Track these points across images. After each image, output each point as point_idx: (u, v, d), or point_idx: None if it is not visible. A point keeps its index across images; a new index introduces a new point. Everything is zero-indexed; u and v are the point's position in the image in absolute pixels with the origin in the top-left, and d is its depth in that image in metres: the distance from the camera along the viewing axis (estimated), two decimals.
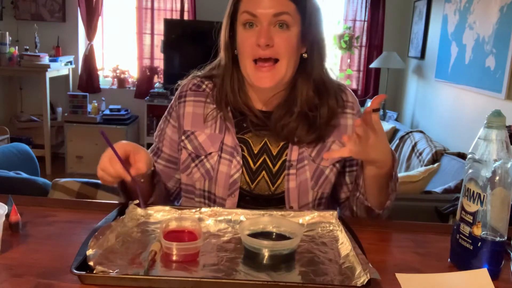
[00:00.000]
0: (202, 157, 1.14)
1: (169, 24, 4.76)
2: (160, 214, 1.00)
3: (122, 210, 0.98)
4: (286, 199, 1.12)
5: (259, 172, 1.13)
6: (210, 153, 1.14)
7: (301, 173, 1.12)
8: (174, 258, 0.81)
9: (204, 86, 1.19)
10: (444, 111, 3.70)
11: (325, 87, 1.13)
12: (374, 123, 0.96)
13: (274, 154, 1.14)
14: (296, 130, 1.11)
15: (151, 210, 1.01)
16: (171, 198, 1.26)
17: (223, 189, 1.12)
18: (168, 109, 1.23)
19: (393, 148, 3.58)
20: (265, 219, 0.94)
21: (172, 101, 1.22)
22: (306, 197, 1.13)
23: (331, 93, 1.13)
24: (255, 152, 1.14)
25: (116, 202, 1.15)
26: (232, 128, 1.14)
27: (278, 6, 1.03)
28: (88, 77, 4.95)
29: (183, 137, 1.17)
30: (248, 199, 1.13)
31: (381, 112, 4.62)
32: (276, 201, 1.13)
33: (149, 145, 5.25)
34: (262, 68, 1.05)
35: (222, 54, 1.15)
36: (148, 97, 4.71)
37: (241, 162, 1.12)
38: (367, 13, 4.88)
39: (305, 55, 1.11)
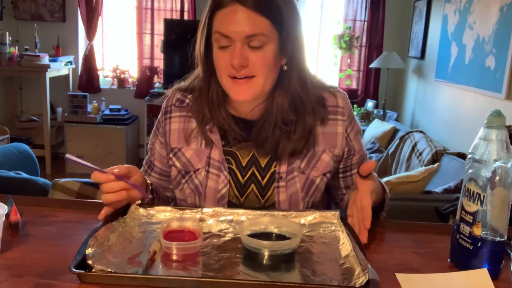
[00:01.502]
0: (191, 173, 1.13)
1: (169, 24, 4.76)
2: (162, 214, 1.01)
3: (124, 210, 0.99)
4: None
5: (248, 185, 1.11)
6: (198, 169, 1.12)
7: (291, 185, 1.11)
8: (174, 257, 0.82)
9: (187, 101, 1.17)
10: (444, 111, 3.70)
11: (302, 102, 1.08)
12: (358, 184, 0.99)
13: (263, 166, 1.11)
14: (278, 145, 1.08)
15: (153, 210, 1.01)
16: (171, 204, 1.26)
17: (212, 204, 1.11)
18: (156, 123, 1.21)
19: (393, 148, 3.59)
20: (266, 219, 0.94)
21: (160, 115, 1.20)
22: (296, 208, 1.12)
23: (308, 109, 1.08)
24: (244, 164, 1.12)
25: None
26: (218, 142, 1.11)
27: (251, 26, 0.97)
28: (88, 77, 4.96)
29: (171, 155, 1.15)
30: None
31: (381, 112, 4.63)
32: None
33: None
34: (239, 81, 1.01)
35: (199, 68, 1.12)
36: (148, 97, 4.71)
37: (228, 177, 1.10)
38: (367, 13, 4.88)
39: (285, 68, 1.06)
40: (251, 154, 1.12)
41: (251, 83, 1.02)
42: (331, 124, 1.13)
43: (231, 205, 1.11)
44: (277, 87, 1.07)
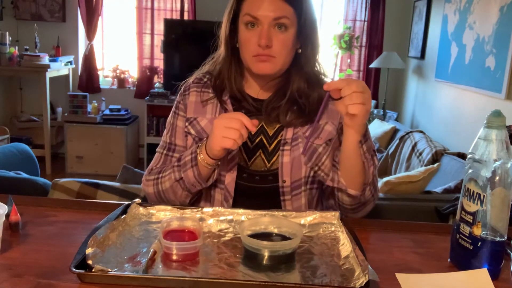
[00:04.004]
0: (204, 139, 1.17)
1: (169, 24, 4.76)
2: (162, 213, 1.01)
3: (124, 209, 0.99)
4: (279, 173, 1.17)
5: (255, 150, 1.20)
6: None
7: (295, 150, 1.18)
8: (174, 257, 0.82)
9: (205, 80, 1.27)
10: (444, 111, 3.70)
11: (317, 78, 1.21)
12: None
13: (271, 134, 1.21)
14: (287, 113, 1.19)
15: (153, 209, 1.01)
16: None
17: (222, 165, 1.16)
18: (175, 105, 1.29)
19: (393, 148, 3.59)
20: (266, 220, 0.94)
21: (178, 97, 1.29)
22: (299, 172, 1.18)
23: (321, 83, 1.19)
24: (252, 133, 1.20)
25: (116, 202, 1.15)
26: (231, 110, 1.21)
27: (278, 10, 1.11)
28: (88, 77, 4.95)
29: (186, 123, 1.24)
30: (245, 176, 1.19)
31: (381, 112, 4.63)
32: (271, 177, 1.18)
33: (149, 145, 5.13)
34: (262, 57, 1.13)
35: (222, 47, 1.22)
36: (148, 97, 4.71)
37: None
38: (367, 13, 4.88)
39: (299, 51, 1.19)
40: (260, 125, 1.21)
41: (271, 61, 1.14)
42: (331, 103, 1.20)
43: (239, 167, 1.18)
44: (292, 69, 1.19)
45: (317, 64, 1.23)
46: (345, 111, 1.02)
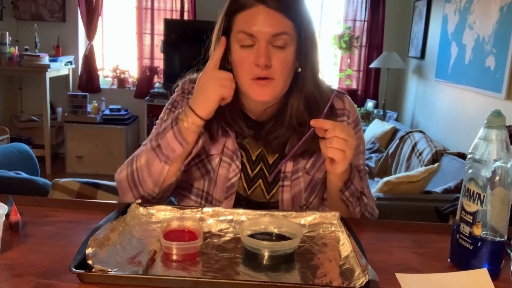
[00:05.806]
0: (203, 157, 1.14)
1: (169, 24, 4.76)
2: (162, 213, 1.01)
3: (124, 209, 0.99)
4: (280, 209, 1.13)
5: (256, 180, 1.14)
6: (212, 155, 1.14)
7: (296, 185, 1.13)
8: (174, 257, 0.82)
9: None
10: (444, 111, 3.70)
11: (316, 102, 1.10)
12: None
13: (270, 163, 1.14)
14: (286, 144, 1.11)
15: (153, 209, 1.01)
16: (171, 194, 1.20)
17: (220, 192, 1.13)
18: (171, 102, 1.19)
19: (393, 148, 3.59)
20: (266, 220, 0.94)
21: (175, 96, 1.19)
22: (298, 207, 1.14)
23: (321, 110, 1.08)
24: (253, 159, 1.15)
25: (116, 202, 1.15)
26: (232, 133, 1.13)
27: (276, 26, 0.99)
28: (88, 77, 4.96)
29: None
30: (243, 204, 1.13)
31: (381, 112, 4.63)
32: (269, 209, 1.12)
33: None
34: (260, 82, 1.03)
35: None
36: (148, 97, 4.72)
37: (240, 166, 1.13)
38: (367, 13, 4.88)
39: (299, 70, 1.08)
40: (259, 150, 1.15)
41: (271, 85, 1.03)
42: None
43: (238, 196, 1.13)
44: (291, 90, 1.09)
45: (317, 83, 1.12)
46: (326, 153, 0.98)
